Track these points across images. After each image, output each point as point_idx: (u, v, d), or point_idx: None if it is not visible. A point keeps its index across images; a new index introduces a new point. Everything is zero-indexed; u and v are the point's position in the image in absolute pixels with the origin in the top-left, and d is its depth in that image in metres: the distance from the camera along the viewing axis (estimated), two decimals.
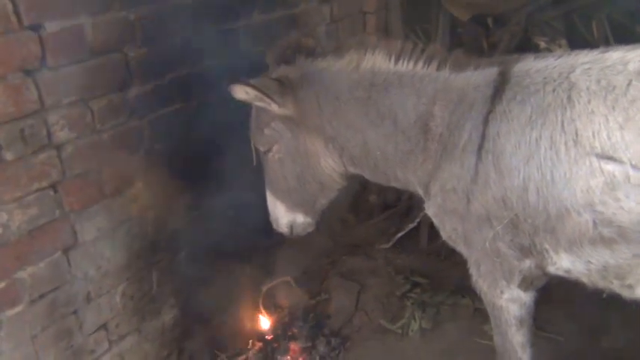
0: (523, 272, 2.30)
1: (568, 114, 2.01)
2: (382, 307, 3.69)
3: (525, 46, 3.93)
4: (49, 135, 2.45)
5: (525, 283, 2.35)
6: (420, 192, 2.49)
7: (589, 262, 2.12)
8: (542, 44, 3.87)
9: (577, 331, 3.34)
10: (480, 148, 2.17)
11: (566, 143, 2.00)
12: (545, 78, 2.10)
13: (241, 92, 2.46)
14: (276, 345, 3.47)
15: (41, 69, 2.39)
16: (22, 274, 2.43)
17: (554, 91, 2.06)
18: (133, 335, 2.96)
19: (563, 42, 3.88)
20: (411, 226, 4.11)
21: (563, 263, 2.19)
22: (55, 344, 2.59)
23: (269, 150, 2.65)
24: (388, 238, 4.19)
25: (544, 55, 2.21)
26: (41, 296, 2.52)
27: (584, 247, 2.08)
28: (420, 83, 2.33)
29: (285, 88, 2.49)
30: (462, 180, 2.23)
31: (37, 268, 2.48)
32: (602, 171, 1.95)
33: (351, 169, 2.63)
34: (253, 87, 2.42)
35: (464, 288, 3.63)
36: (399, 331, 3.51)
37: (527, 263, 2.28)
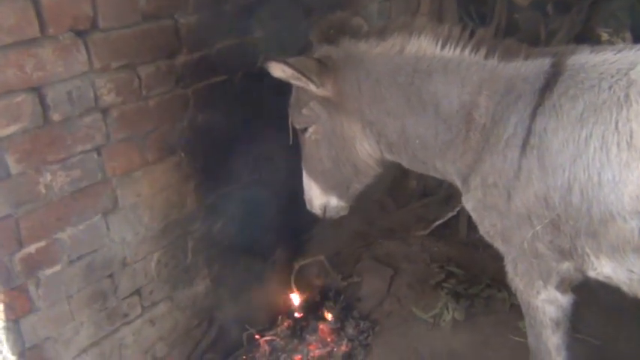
0: (561, 274, 2.23)
1: (624, 113, 1.90)
2: (415, 294, 3.64)
3: (586, 37, 3.75)
4: (96, 98, 2.47)
5: (563, 285, 2.28)
6: (458, 184, 2.41)
7: (631, 270, 2.03)
8: (605, 36, 3.69)
9: (615, 336, 3.23)
10: (525, 142, 2.08)
11: (618, 144, 1.90)
12: (601, 73, 1.98)
13: (278, 70, 2.41)
14: (305, 324, 3.47)
15: (92, 30, 2.39)
16: (62, 235, 2.47)
17: (610, 88, 1.95)
18: (165, 302, 2.99)
19: (627, 35, 3.70)
20: (451, 214, 4.04)
21: (604, 269, 2.11)
22: (89, 305, 2.64)
23: (306, 130, 2.62)
24: (426, 225, 4.13)
25: (602, 48, 2.09)
26: (79, 258, 2.56)
27: (627, 255, 1.98)
28: (466, 71, 2.24)
29: (326, 68, 2.43)
30: (504, 175, 2.15)
31: (76, 229, 2.52)
32: None
33: (388, 156, 2.57)
34: (290, 65, 2.37)
35: (500, 282, 3.56)
36: (431, 320, 3.46)
37: (566, 265, 2.20)
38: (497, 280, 3.60)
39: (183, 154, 2.89)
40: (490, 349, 3.27)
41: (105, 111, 2.51)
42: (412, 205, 4.36)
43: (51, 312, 2.48)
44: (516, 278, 2.35)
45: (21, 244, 2.33)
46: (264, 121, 3.21)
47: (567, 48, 2.17)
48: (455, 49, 2.26)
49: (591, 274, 2.17)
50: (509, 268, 2.36)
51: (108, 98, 2.50)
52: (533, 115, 2.06)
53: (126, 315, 2.81)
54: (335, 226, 3.90)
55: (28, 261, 2.36)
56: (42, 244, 2.39)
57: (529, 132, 2.06)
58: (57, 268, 2.47)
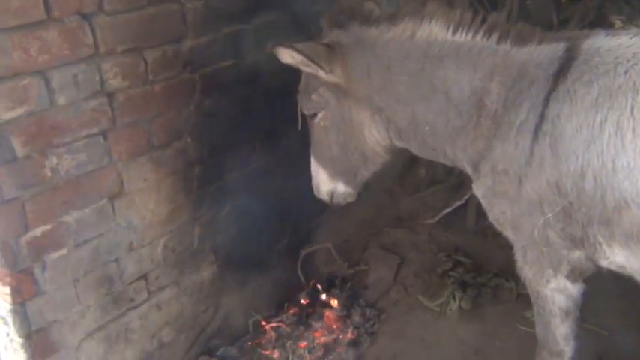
0: (572, 263, 2.20)
1: None
2: (422, 282, 3.63)
3: (599, 24, 3.69)
4: (102, 82, 2.46)
5: (574, 274, 2.25)
6: (469, 171, 2.38)
7: None
8: (618, 23, 3.62)
9: (623, 327, 3.19)
10: (538, 129, 2.04)
11: (633, 130, 1.86)
12: (617, 58, 1.94)
13: (286, 56, 2.38)
14: (310, 310, 3.47)
15: (98, 14, 2.38)
16: (68, 219, 2.48)
17: (626, 72, 1.91)
18: (171, 288, 2.99)
19: None
20: (459, 203, 4.01)
21: (616, 258, 2.07)
22: (95, 289, 2.64)
23: (314, 116, 2.59)
24: (434, 214, 4.10)
25: (617, 32, 2.06)
26: (85, 241, 2.56)
27: None
28: (477, 56, 2.20)
29: (335, 54, 2.40)
30: (515, 161, 2.12)
31: (82, 213, 2.52)
32: None
33: (398, 143, 2.54)
34: (299, 51, 2.34)
35: (508, 271, 3.54)
36: (437, 309, 3.45)
37: (577, 254, 2.17)
38: (505, 269, 3.58)
39: (189, 139, 2.88)
40: (497, 338, 3.26)
41: (111, 95, 2.50)
42: (420, 193, 4.33)
43: (57, 295, 2.49)
44: (525, 267, 2.32)
45: (27, 227, 2.33)
46: (272, 107, 3.19)
47: (582, 32, 2.14)
48: (467, 34, 2.22)
49: (603, 263, 2.14)
50: (518, 256, 2.34)
51: (114, 82, 2.49)
52: (547, 101, 2.02)
53: (132, 299, 2.81)
54: (342, 214, 3.89)
55: (34, 244, 2.37)
56: (48, 227, 2.40)
57: (542, 118, 2.03)
58: (63, 251, 2.47)
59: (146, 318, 2.89)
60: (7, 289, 2.32)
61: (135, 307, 2.83)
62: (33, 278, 2.39)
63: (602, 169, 1.92)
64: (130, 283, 2.79)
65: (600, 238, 2.04)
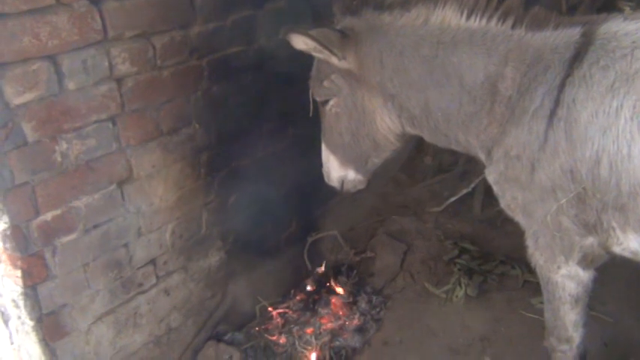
0: (584, 249, 2.20)
1: None
2: (428, 270, 3.64)
3: (608, 11, 3.66)
4: (111, 67, 2.46)
5: (585, 261, 2.24)
6: (482, 157, 2.37)
7: None
8: (627, 10, 3.59)
9: (629, 314, 3.21)
10: (552, 114, 2.02)
11: None
12: (634, 42, 1.92)
13: (300, 42, 2.37)
14: (317, 297, 3.48)
15: None
16: (78, 204, 2.49)
17: None
18: (179, 273, 3.01)
19: None
20: (465, 191, 4.01)
21: (630, 244, 2.07)
22: (105, 274, 2.66)
23: (326, 102, 2.58)
24: (440, 202, 4.10)
25: (636, 15, 2.03)
26: (95, 226, 2.58)
27: None
28: (492, 42, 2.18)
29: (348, 40, 2.38)
30: (529, 147, 2.10)
31: (92, 198, 2.53)
32: None
33: (410, 130, 2.53)
34: (312, 38, 2.32)
35: (514, 258, 3.55)
36: (443, 295, 3.47)
37: (590, 240, 2.16)
38: (511, 256, 3.60)
39: (197, 126, 2.88)
40: (502, 325, 3.27)
41: (120, 80, 2.50)
42: (427, 181, 4.33)
43: (67, 279, 2.51)
44: (537, 253, 2.31)
45: (37, 212, 2.34)
46: (281, 94, 3.19)
47: (599, 16, 2.11)
48: (481, 19, 2.20)
49: (616, 249, 2.14)
50: (529, 242, 2.33)
51: (122, 68, 2.49)
52: (562, 86, 2.01)
53: (141, 284, 2.83)
54: (349, 202, 3.90)
55: (45, 228, 2.38)
56: (58, 212, 2.41)
57: (557, 103, 2.01)
58: (73, 236, 2.49)
59: (154, 303, 2.91)
60: (19, 273, 2.34)
61: (143, 292, 2.85)
62: (43, 262, 2.41)
63: (617, 155, 1.91)
64: (139, 268, 2.80)
65: (614, 224, 2.04)
